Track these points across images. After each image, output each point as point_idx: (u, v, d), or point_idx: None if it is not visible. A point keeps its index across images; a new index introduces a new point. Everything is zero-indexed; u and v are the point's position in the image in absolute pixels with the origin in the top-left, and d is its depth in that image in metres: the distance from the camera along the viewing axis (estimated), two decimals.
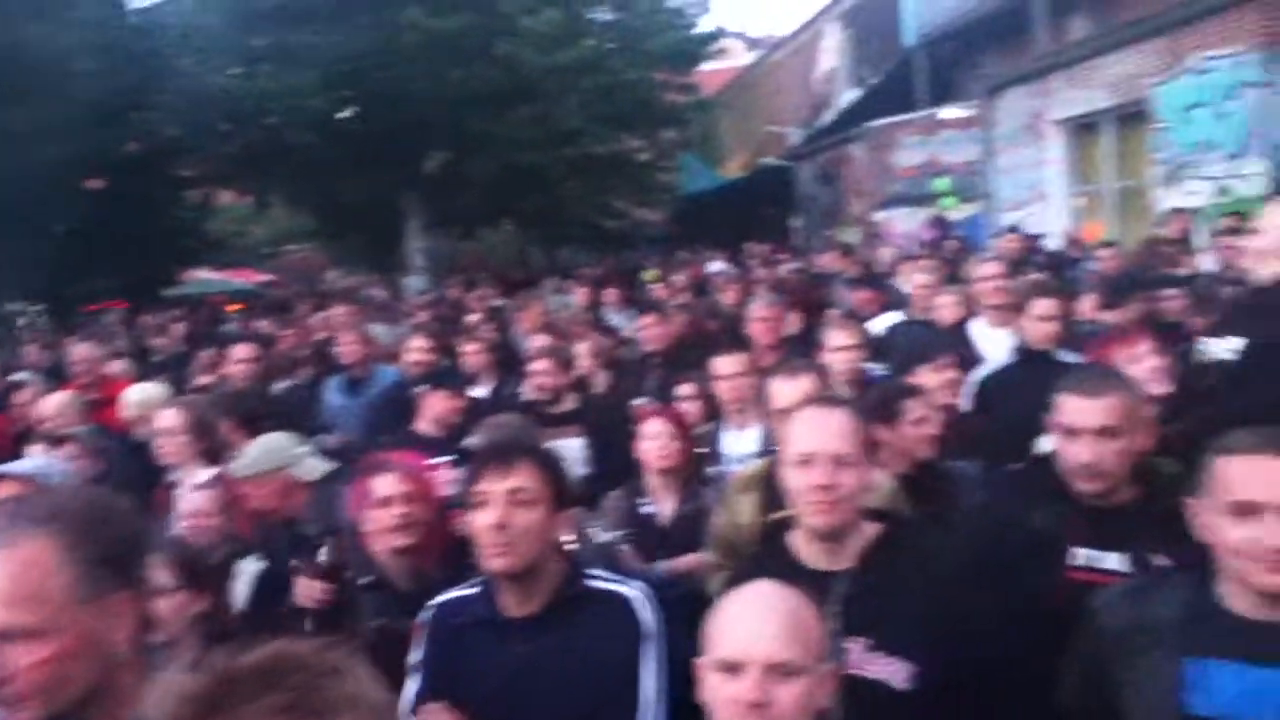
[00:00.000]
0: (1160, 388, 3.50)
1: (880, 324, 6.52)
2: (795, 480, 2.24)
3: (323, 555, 3.01)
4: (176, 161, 21.76)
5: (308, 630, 2.89)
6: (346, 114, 20.63)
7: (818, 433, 2.24)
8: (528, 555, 2.29)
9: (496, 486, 2.29)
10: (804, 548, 2.28)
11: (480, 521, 2.29)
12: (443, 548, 3.19)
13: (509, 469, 2.32)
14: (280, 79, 19.33)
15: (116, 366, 7.57)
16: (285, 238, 28.44)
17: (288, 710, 1.19)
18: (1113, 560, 2.42)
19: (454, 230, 25.28)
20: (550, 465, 2.42)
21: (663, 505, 4.13)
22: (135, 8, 21.26)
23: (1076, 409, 2.47)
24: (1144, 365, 3.48)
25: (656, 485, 4.15)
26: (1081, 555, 2.45)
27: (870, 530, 2.28)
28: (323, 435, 6.08)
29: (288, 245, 29.53)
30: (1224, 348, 3.65)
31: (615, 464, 4.48)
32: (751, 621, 1.74)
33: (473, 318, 9.41)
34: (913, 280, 6.71)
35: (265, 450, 3.99)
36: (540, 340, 6.27)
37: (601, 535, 3.77)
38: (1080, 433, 2.44)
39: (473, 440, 4.21)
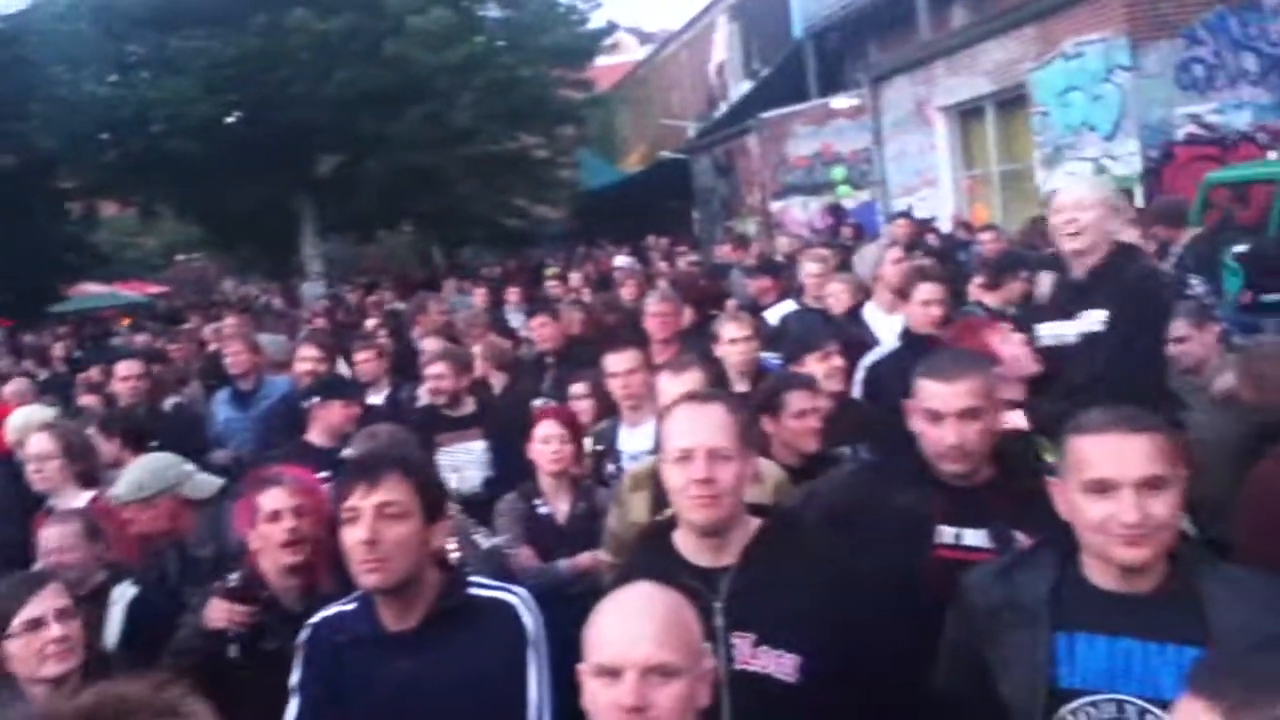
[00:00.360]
0: (1029, 368, 3.63)
1: (775, 314, 6.60)
2: (674, 477, 2.22)
3: (234, 579, 2.92)
4: (55, 173, 21.00)
5: (233, 656, 2.81)
6: (232, 119, 20.13)
7: (694, 427, 2.23)
8: (401, 569, 2.25)
9: (364, 501, 2.25)
10: (688, 545, 2.27)
11: (351, 538, 2.24)
12: (335, 564, 3.12)
13: (376, 483, 2.26)
14: (160, 85, 18.80)
15: (10, 388, 7.21)
16: (177, 248, 27.73)
17: None
18: (976, 537, 2.48)
19: (352, 234, 24.88)
20: (419, 475, 2.38)
21: (558, 505, 4.12)
22: (1, 14, 20.42)
23: (937, 393, 2.51)
24: (1010, 346, 3.60)
25: (550, 486, 4.14)
26: (948, 533, 2.50)
27: (754, 525, 2.29)
28: (215, 450, 5.93)
29: (180, 255, 28.78)
30: (1055, 332, 3.81)
31: (516, 465, 4.45)
32: (627, 624, 1.73)
33: (370, 323, 9.27)
34: (804, 269, 6.79)
35: (148, 472, 3.85)
36: (432, 344, 6.19)
37: (488, 541, 3.73)
38: (944, 416, 2.49)
39: (348, 452, 4.12)
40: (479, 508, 4.39)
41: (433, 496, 2.37)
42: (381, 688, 2.27)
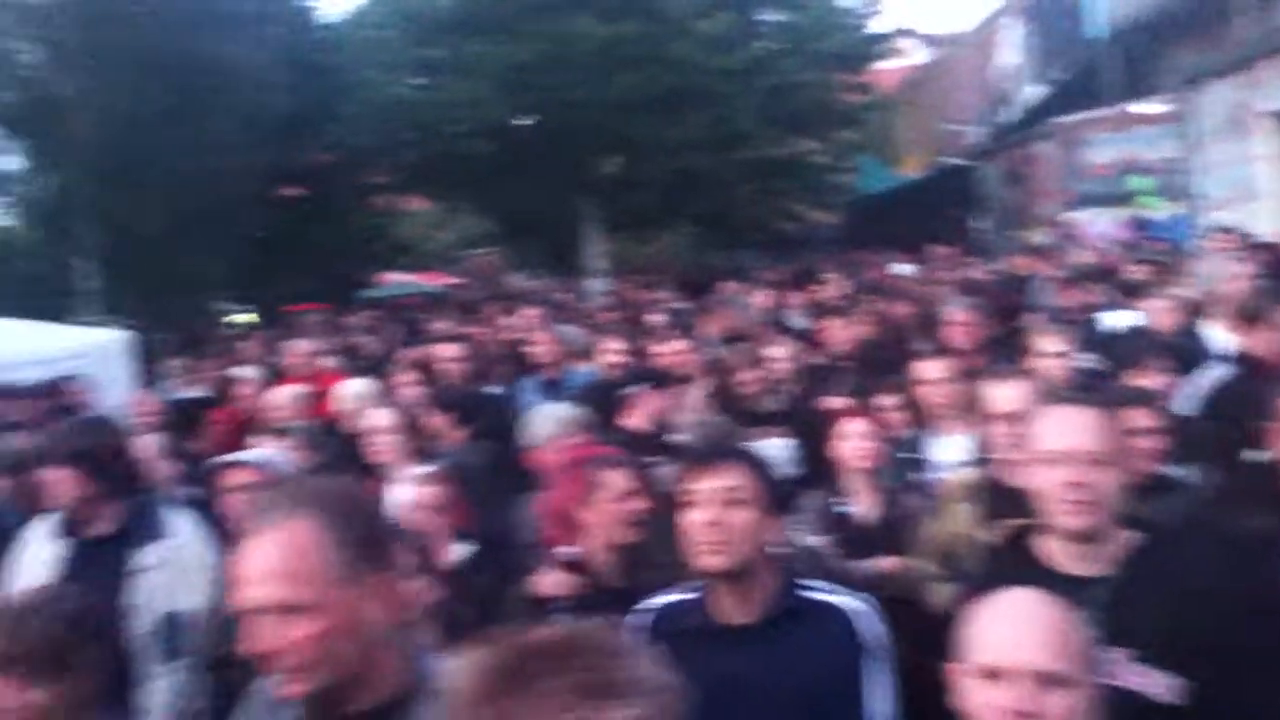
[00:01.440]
0: None
1: (1104, 323, 6.34)
2: (1045, 480, 2.16)
3: (569, 551, 3.08)
4: (364, 170, 22.76)
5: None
6: (527, 121, 21.12)
7: (1070, 430, 2.17)
8: (740, 555, 2.26)
9: (710, 484, 2.29)
10: (1055, 552, 2.21)
11: (693, 519, 2.29)
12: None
13: (721, 468, 2.31)
14: (457, 88, 19.97)
15: (330, 362, 7.77)
16: (470, 242, 29.26)
17: (581, 689, 1.22)
18: None
19: (632, 233, 25.54)
20: (762, 467, 2.41)
21: (862, 505, 4.08)
22: (322, 24, 22.36)
23: None
24: None
25: (856, 485, 4.11)
26: None
27: (1126, 536, 2.19)
28: None
29: (473, 249, 30.38)
30: None
31: (818, 465, 4.45)
32: (1017, 628, 1.71)
33: (655, 318, 9.45)
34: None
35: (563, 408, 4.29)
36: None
37: (809, 539, 3.74)
38: None
39: (680, 439, 4.24)
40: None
41: (774, 489, 2.39)
42: (718, 681, 2.22)
